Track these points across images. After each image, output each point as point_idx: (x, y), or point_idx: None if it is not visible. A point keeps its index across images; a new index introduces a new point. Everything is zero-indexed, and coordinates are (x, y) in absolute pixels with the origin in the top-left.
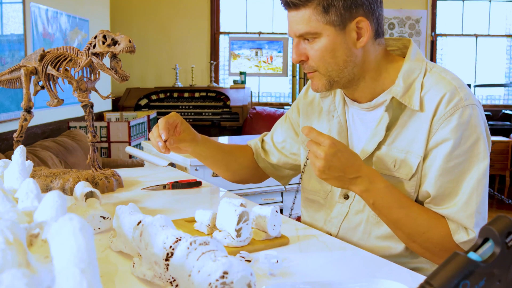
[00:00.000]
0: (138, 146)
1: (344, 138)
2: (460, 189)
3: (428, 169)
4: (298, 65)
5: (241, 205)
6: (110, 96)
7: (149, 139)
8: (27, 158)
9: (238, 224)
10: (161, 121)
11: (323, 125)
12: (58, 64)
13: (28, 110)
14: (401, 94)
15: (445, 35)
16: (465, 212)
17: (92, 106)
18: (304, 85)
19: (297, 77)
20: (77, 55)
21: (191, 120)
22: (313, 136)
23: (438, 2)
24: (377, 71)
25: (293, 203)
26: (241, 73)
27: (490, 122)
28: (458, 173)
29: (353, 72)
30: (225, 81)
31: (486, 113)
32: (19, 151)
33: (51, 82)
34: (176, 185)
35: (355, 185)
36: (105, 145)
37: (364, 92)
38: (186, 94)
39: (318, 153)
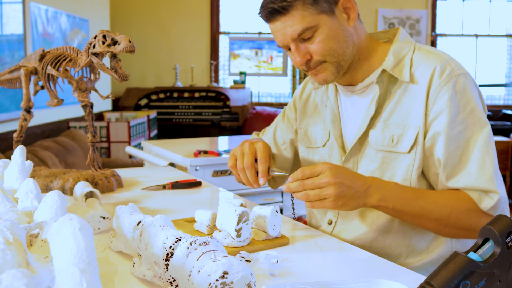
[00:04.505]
0: (138, 146)
1: (337, 125)
2: (470, 157)
3: (436, 139)
4: None
5: (241, 205)
6: (110, 96)
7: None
8: (27, 158)
9: (238, 224)
10: (263, 155)
11: (317, 119)
12: (58, 64)
13: (28, 110)
14: (391, 67)
15: (445, 35)
16: (484, 177)
17: (92, 106)
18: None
19: (297, 77)
20: (77, 55)
21: (191, 120)
22: (312, 183)
23: (438, 2)
24: (367, 49)
25: (293, 203)
26: (241, 73)
27: (491, 122)
28: (463, 141)
29: (352, 54)
30: (225, 81)
31: (487, 113)
32: (19, 151)
33: (51, 82)
34: (176, 185)
35: (370, 195)
36: (105, 145)
37: (357, 74)
38: (186, 94)
39: (324, 193)
